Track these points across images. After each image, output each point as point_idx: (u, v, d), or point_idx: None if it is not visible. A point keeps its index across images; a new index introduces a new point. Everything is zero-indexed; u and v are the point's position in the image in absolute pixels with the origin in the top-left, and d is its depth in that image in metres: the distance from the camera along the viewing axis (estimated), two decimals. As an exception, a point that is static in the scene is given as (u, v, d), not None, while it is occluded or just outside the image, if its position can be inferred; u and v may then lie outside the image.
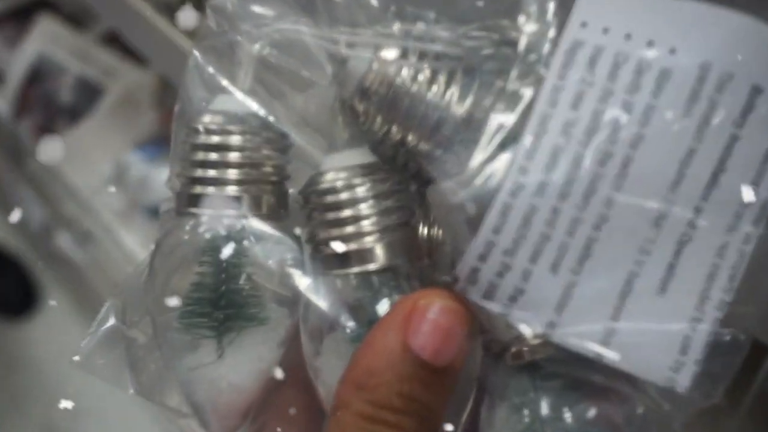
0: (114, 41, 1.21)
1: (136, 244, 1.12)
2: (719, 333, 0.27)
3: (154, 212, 1.12)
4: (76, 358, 0.33)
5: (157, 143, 1.17)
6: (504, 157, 0.27)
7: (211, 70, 0.32)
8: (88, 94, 1.19)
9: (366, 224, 0.29)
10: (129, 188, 1.16)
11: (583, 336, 0.27)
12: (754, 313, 0.28)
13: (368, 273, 0.29)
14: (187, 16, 0.34)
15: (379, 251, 0.29)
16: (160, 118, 1.19)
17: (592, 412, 0.28)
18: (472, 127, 0.28)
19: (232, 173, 0.31)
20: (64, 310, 1.32)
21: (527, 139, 0.27)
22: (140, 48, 0.72)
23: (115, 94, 1.18)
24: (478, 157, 0.27)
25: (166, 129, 1.13)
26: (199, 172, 0.31)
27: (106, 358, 0.34)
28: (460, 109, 0.28)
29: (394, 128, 0.29)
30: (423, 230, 0.31)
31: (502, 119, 0.27)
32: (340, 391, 0.27)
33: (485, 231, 0.27)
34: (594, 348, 0.27)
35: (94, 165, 1.18)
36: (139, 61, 1.17)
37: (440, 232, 0.31)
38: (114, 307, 0.34)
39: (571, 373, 0.28)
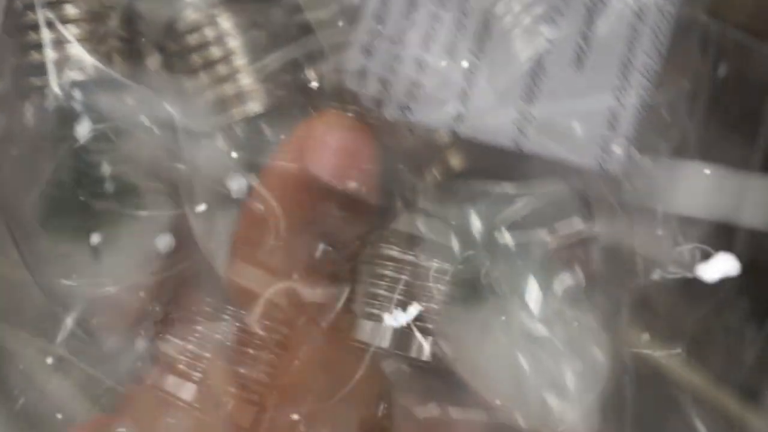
0: None
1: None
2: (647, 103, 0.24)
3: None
4: None
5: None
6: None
7: None
8: None
9: (239, 61, 0.25)
10: None
11: (497, 125, 0.23)
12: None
13: (253, 118, 0.25)
14: None
15: (262, 90, 0.25)
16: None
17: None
18: None
19: (72, 30, 0.26)
20: None
21: None
22: None
23: None
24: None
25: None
26: (33, 37, 0.26)
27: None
28: None
29: None
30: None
31: None
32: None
33: (367, 19, 0.23)
34: (511, 134, 0.23)
35: None
36: None
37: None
38: None
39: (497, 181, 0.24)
